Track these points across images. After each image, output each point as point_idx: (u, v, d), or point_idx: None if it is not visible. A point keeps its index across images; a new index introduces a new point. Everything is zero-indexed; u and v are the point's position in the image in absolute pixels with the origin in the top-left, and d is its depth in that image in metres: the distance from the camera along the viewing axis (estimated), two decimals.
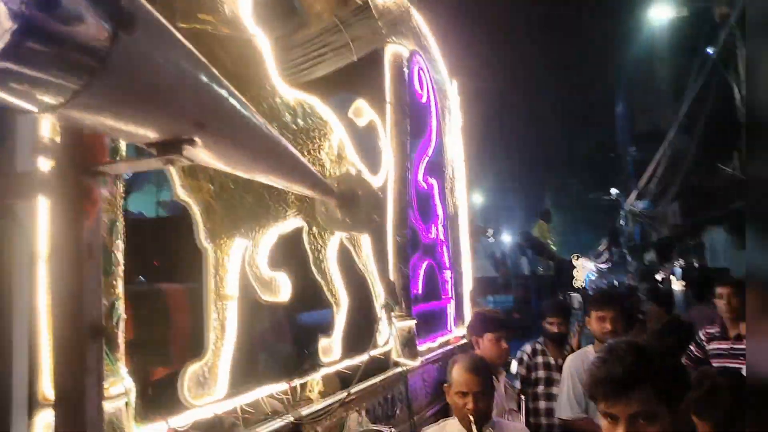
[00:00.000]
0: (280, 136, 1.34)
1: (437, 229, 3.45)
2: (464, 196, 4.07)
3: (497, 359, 3.51)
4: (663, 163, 19.03)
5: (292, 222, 2.00)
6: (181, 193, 1.52)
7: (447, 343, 3.60)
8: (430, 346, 3.22)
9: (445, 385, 2.74)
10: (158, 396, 1.43)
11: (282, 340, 1.94)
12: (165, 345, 1.58)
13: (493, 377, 3.38)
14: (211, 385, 1.58)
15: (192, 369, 1.52)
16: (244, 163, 1.20)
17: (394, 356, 2.73)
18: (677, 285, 18.16)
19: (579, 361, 3.82)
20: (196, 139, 0.90)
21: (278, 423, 1.81)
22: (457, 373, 2.66)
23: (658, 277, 23.42)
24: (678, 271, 19.53)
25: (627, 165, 31.79)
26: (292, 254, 2.02)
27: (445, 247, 3.59)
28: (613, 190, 29.62)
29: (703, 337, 4.67)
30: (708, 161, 20.03)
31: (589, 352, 3.87)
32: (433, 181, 3.44)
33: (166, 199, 3.37)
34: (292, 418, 1.87)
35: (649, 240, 28.23)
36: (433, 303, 3.36)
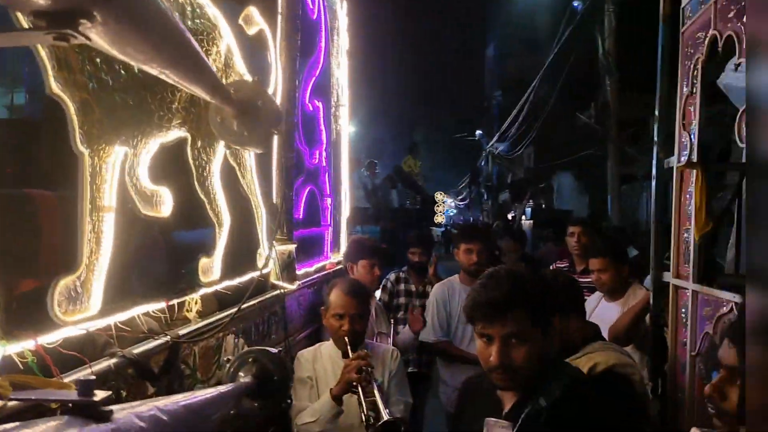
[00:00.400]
0: (184, 27, 1.20)
1: (320, 155, 3.39)
2: (347, 122, 4.01)
3: (370, 284, 3.59)
4: (525, 109, 19.99)
5: (176, 133, 1.85)
6: (55, 87, 1.33)
7: (323, 268, 3.61)
8: (307, 271, 3.22)
9: (322, 308, 2.77)
10: (25, 311, 1.29)
11: (161, 258, 1.81)
12: (33, 256, 1.42)
13: None
14: (83, 301, 1.45)
15: (63, 283, 1.38)
16: (144, 51, 1.06)
17: (272, 279, 2.69)
18: (526, 223, 19.55)
19: (444, 289, 4.03)
20: (96, 13, 0.77)
21: (154, 342, 1.72)
22: (336, 296, 2.69)
23: (510, 215, 25.06)
24: (528, 210, 20.98)
25: (492, 108, 33.12)
26: (175, 168, 1.88)
27: (327, 174, 3.54)
28: (478, 132, 30.83)
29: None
30: (566, 111, 21.35)
31: (454, 281, 4.09)
32: (318, 103, 3.34)
33: (21, 103, 2.99)
34: (168, 338, 1.78)
35: (505, 181, 29.96)
36: (313, 229, 3.34)
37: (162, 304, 1.79)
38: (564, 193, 22.25)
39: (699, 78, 2.47)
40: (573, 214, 20.12)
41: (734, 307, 2.15)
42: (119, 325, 1.59)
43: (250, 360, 1.46)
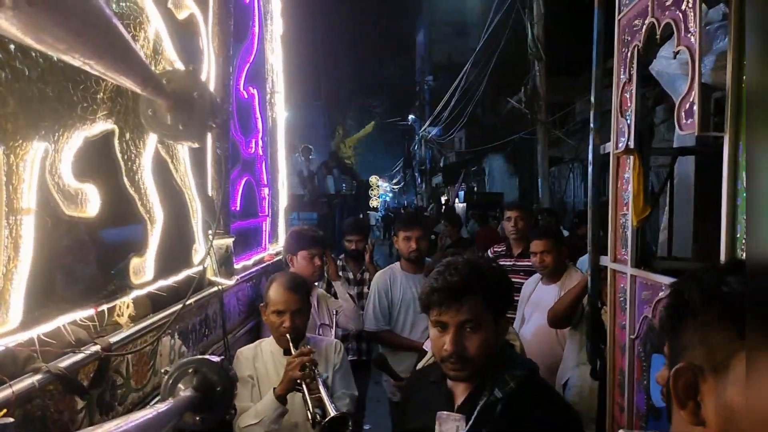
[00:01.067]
0: (111, 12, 1.08)
1: (257, 143, 3.26)
2: (282, 109, 3.88)
3: (311, 276, 3.52)
4: (456, 94, 20.20)
5: (102, 125, 1.71)
6: None
7: (262, 261, 3.50)
8: (245, 264, 3.10)
9: (261, 305, 2.68)
10: None
11: (88, 260, 1.67)
12: None
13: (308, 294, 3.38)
14: (1, 313, 1.32)
15: None
16: (64, 39, 0.93)
17: (209, 275, 2.57)
18: (459, 206, 19.86)
19: (385, 278, 4.00)
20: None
21: (83, 353, 1.60)
22: (275, 292, 2.61)
23: (443, 198, 25.39)
24: (461, 193, 21.31)
25: (424, 93, 33.32)
26: (101, 164, 1.74)
27: (263, 163, 3.41)
28: (411, 116, 31.00)
29: (491, 254, 5.14)
30: (496, 95, 21.71)
31: (395, 269, 4.07)
32: (254, 91, 3.21)
33: None
34: (99, 347, 1.66)
35: (438, 164, 30.32)
36: (250, 220, 3.22)
37: (90, 311, 1.65)
38: (495, 175, 22.69)
39: (635, 65, 2.50)
40: (504, 196, 20.64)
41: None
42: (43, 337, 1.45)
43: (189, 371, 1.36)
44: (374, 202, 21.77)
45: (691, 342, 0.89)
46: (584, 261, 4.00)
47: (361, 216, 10.61)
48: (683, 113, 1.93)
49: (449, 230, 8.02)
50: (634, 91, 2.52)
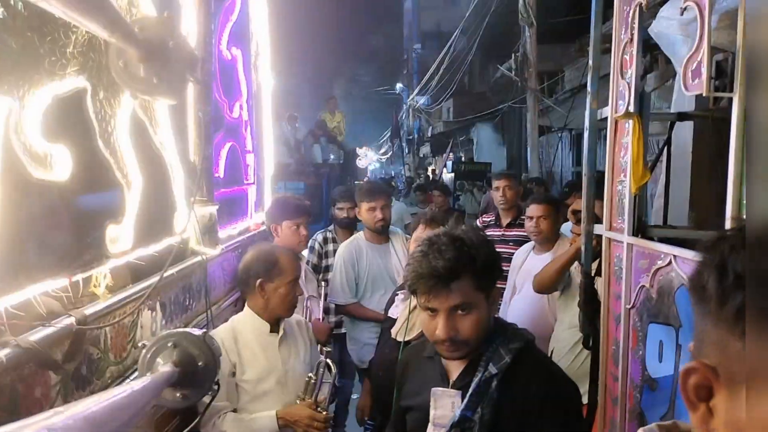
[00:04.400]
0: None
1: (241, 108, 3.14)
2: (268, 73, 3.74)
3: (297, 246, 3.43)
4: (445, 62, 19.95)
5: (72, 82, 1.59)
6: None
7: (247, 229, 3.40)
8: (230, 234, 3.00)
9: (260, 280, 2.54)
10: None
11: (60, 227, 1.57)
12: None
13: None
14: None
15: None
16: None
17: (192, 244, 2.48)
18: (447, 176, 19.77)
19: (351, 249, 3.95)
20: None
21: (56, 326, 1.50)
22: (288, 262, 2.61)
23: (431, 168, 25.28)
24: (449, 163, 21.20)
25: (412, 61, 32.92)
26: (74, 124, 1.62)
27: (248, 128, 3.29)
28: (398, 85, 30.66)
29: (479, 224, 5.08)
30: (485, 63, 21.48)
31: (360, 239, 4.02)
32: (237, 52, 3.07)
33: None
34: (73, 319, 1.56)
35: (426, 134, 30.10)
36: (235, 188, 3.10)
37: (64, 281, 1.55)
38: (483, 145, 22.57)
39: (637, 24, 2.40)
40: (492, 166, 20.56)
41: (672, 260, 2.13)
42: (11, 310, 1.35)
43: (169, 345, 1.27)
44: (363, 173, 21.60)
45: (709, 338, 0.72)
46: (565, 227, 3.95)
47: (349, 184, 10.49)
48: (690, 73, 1.84)
49: (440, 199, 7.98)
50: (635, 52, 2.42)
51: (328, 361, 2.44)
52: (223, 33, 2.85)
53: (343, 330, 4.11)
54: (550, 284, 3.39)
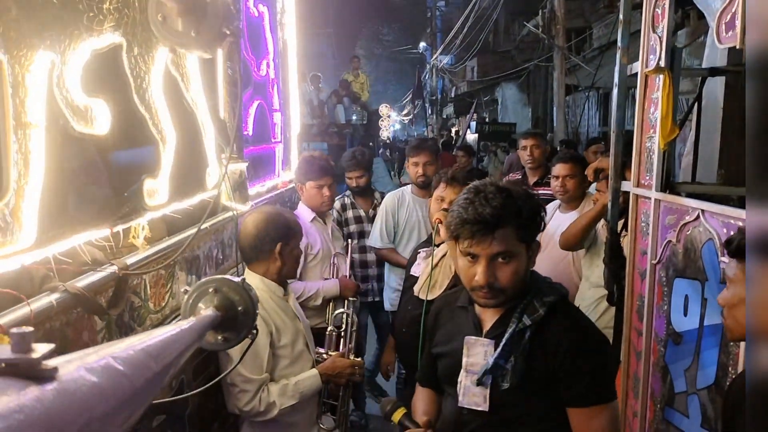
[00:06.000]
0: None
1: (268, 66, 3.15)
2: (293, 31, 3.73)
3: (320, 206, 3.48)
4: (469, 20, 19.59)
5: (109, 37, 1.62)
6: None
7: (275, 187, 3.45)
8: (258, 191, 3.05)
9: (280, 244, 2.54)
10: None
11: (101, 180, 1.62)
12: None
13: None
14: (15, 231, 1.28)
15: None
16: None
17: (223, 200, 2.53)
18: (471, 137, 19.60)
19: (395, 198, 4.05)
20: None
21: (100, 274, 1.57)
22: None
23: (454, 130, 25.05)
24: (473, 124, 20.98)
25: (435, 20, 32.35)
26: (111, 79, 1.66)
27: (275, 87, 3.31)
28: (422, 44, 30.21)
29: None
30: (510, 21, 21.03)
31: (406, 191, 4.09)
32: (263, 8, 3.07)
33: None
34: (116, 268, 1.63)
35: (449, 94, 29.77)
36: (263, 146, 3.14)
37: (106, 232, 1.62)
38: (508, 105, 22.27)
39: None
40: (517, 126, 20.31)
41: (700, 214, 2.13)
42: (59, 257, 1.42)
43: (210, 290, 1.32)
44: (385, 132, 21.48)
45: None
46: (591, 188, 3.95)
47: (366, 146, 10.48)
48: (723, 25, 1.81)
49: (464, 160, 7.97)
50: (666, 5, 2.38)
51: (349, 311, 2.46)
52: None
53: (369, 298, 4.20)
54: (576, 241, 3.40)
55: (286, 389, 2.35)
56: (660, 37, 2.39)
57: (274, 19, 3.32)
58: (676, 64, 2.44)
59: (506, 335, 1.57)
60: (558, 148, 7.37)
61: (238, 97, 2.52)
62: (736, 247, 1.30)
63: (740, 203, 2.53)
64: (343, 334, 2.45)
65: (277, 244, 2.46)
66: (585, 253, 3.53)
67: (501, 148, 16.34)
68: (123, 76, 1.72)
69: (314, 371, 2.43)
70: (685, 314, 2.26)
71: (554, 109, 11.24)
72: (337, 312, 2.67)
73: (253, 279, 2.45)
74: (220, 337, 1.32)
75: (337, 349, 2.61)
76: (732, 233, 1.92)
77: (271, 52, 3.23)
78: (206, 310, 1.28)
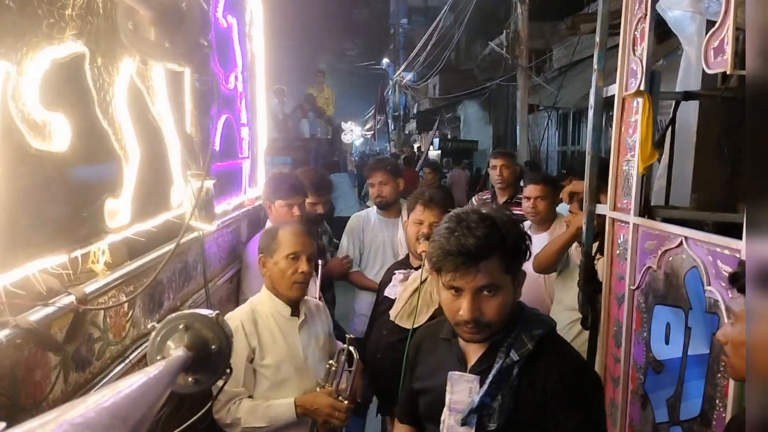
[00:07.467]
0: None
1: (236, 79, 3.03)
2: (262, 43, 3.63)
3: (271, 226, 3.36)
4: (432, 39, 19.75)
5: (71, 47, 1.49)
6: None
7: (241, 205, 3.32)
8: (225, 209, 2.92)
9: (261, 255, 2.50)
10: None
11: (58, 200, 1.48)
12: None
13: None
14: None
15: None
16: None
17: (189, 219, 2.39)
18: (433, 153, 19.70)
19: (360, 220, 3.95)
20: None
21: (56, 305, 1.43)
22: (287, 236, 2.49)
23: (416, 146, 25.15)
24: (436, 141, 21.11)
25: (398, 37, 32.56)
26: (71, 91, 1.53)
27: (243, 100, 3.19)
28: (385, 60, 30.34)
29: (475, 202, 5.04)
30: (472, 41, 21.29)
31: (371, 212, 4.00)
32: (232, 20, 2.95)
33: None
34: (74, 298, 1.49)
35: (411, 111, 29.89)
36: (230, 162, 3.01)
37: (63, 258, 1.47)
38: (471, 122, 22.50)
39: (651, 1, 2.33)
40: (479, 143, 20.49)
41: (683, 241, 2.09)
42: (10, 288, 1.28)
43: (180, 327, 1.20)
44: (347, 147, 21.40)
45: None
46: (561, 208, 3.93)
47: (332, 161, 10.34)
48: (712, 51, 1.78)
49: (430, 176, 7.93)
50: (646, 28, 2.36)
51: (351, 348, 2.33)
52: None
53: None
54: (550, 264, 3.36)
55: (256, 409, 2.27)
56: (640, 60, 2.37)
57: (243, 30, 3.21)
58: (655, 87, 2.42)
59: (493, 371, 1.49)
60: (522, 169, 7.41)
61: (205, 111, 2.40)
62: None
63: (715, 229, 2.52)
64: (334, 369, 2.32)
65: (260, 257, 2.48)
66: (557, 275, 3.50)
67: (462, 165, 16.47)
68: (85, 88, 1.59)
69: (290, 400, 2.31)
70: (667, 342, 2.21)
71: (517, 128, 11.34)
72: (340, 348, 2.54)
73: (262, 294, 2.49)
74: (190, 379, 1.20)
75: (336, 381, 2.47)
76: (719, 262, 1.89)
77: (240, 64, 3.12)
78: (176, 350, 1.16)
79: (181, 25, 1.37)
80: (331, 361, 2.33)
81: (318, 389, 2.32)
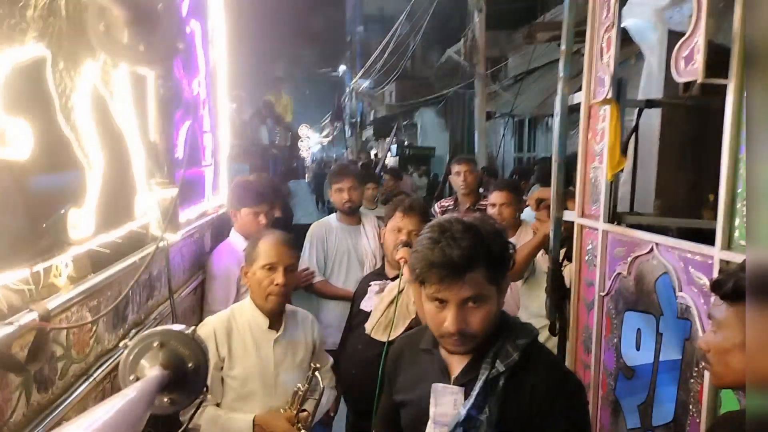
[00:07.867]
0: None
1: (199, 85, 2.95)
2: (224, 48, 3.55)
3: (256, 235, 3.28)
4: (389, 46, 19.85)
5: (32, 49, 1.41)
6: None
7: (205, 213, 3.23)
8: (188, 218, 2.83)
9: (242, 266, 2.43)
10: None
11: (18, 211, 1.40)
12: None
13: None
14: None
15: None
16: None
17: (153, 229, 2.31)
18: (391, 160, 19.73)
19: (321, 228, 3.87)
20: None
21: (18, 322, 1.34)
22: (266, 246, 2.40)
23: (373, 153, 25.18)
24: (393, 147, 21.17)
25: (355, 44, 32.62)
26: (32, 96, 1.44)
27: (206, 107, 3.11)
28: (342, 67, 30.34)
29: (438, 209, 5.04)
30: (428, 49, 21.47)
31: (332, 219, 3.94)
32: (196, 25, 2.88)
33: None
34: (36, 314, 1.40)
35: (368, 118, 29.94)
36: (193, 169, 2.92)
37: (25, 272, 1.39)
38: (428, 129, 22.63)
39: (618, 6, 2.37)
40: (435, 150, 20.62)
41: (654, 248, 2.12)
42: None
43: (155, 345, 1.13)
44: (305, 153, 21.26)
45: None
46: (526, 214, 3.96)
47: (290, 168, 10.23)
48: (682, 59, 1.81)
49: (391, 183, 7.92)
50: (613, 37, 2.40)
51: (317, 374, 2.24)
52: (182, 2, 2.65)
53: None
54: (517, 272, 3.37)
55: (216, 419, 2.24)
56: (608, 68, 2.40)
57: (206, 36, 3.13)
58: (622, 95, 2.46)
59: (479, 383, 1.46)
60: (481, 175, 7.46)
61: (169, 117, 2.32)
62: (732, 289, 1.25)
63: (679, 234, 2.56)
64: (300, 393, 2.23)
65: (242, 267, 2.47)
66: (523, 282, 3.51)
67: (420, 171, 16.55)
68: (46, 93, 1.50)
69: (250, 417, 2.25)
70: (638, 348, 2.23)
71: (475, 135, 11.44)
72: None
73: (244, 302, 2.46)
74: (166, 399, 1.14)
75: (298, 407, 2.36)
76: (690, 268, 1.91)
77: (203, 70, 3.04)
78: (151, 370, 1.10)
79: (156, 27, 1.31)
80: (299, 385, 2.24)
81: (282, 411, 2.24)
